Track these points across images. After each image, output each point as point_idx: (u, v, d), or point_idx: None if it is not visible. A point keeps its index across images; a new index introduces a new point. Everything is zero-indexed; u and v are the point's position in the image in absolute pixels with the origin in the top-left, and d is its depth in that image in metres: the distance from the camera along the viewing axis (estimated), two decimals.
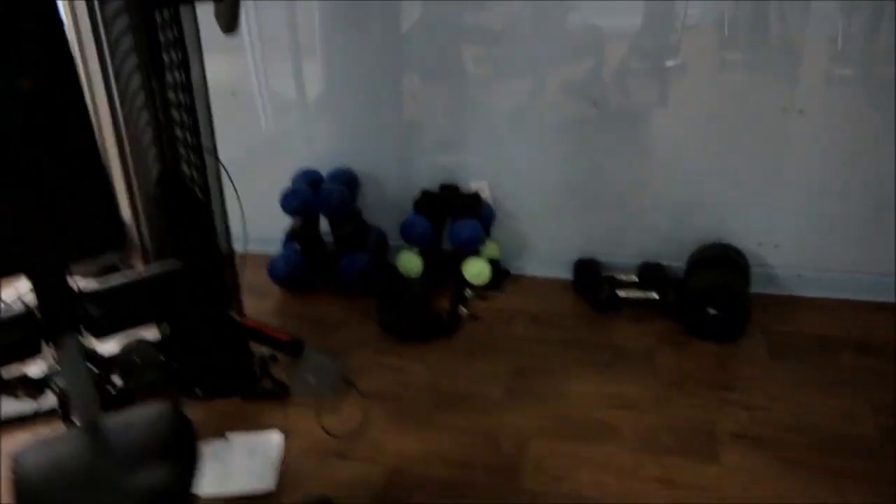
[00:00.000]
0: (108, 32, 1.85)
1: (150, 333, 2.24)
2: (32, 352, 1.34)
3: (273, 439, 2.03)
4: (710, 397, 2.07)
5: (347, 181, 2.68)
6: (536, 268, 2.75)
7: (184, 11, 1.75)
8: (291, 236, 2.66)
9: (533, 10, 2.39)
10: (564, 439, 1.95)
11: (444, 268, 2.63)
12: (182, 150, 1.91)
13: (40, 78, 1.23)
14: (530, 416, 2.05)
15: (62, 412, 1.94)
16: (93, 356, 2.15)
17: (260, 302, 2.71)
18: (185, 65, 1.79)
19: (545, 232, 2.71)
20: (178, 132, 1.89)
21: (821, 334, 2.33)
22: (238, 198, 2.12)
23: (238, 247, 2.60)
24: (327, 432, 2.01)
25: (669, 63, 2.35)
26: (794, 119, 2.29)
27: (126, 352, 2.17)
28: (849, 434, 1.92)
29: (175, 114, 1.85)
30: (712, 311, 2.26)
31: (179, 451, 1.31)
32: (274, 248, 2.77)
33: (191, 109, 1.84)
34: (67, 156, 1.28)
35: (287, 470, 1.92)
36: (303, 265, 2.66)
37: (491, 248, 2.67)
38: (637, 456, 1.88)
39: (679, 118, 2.41)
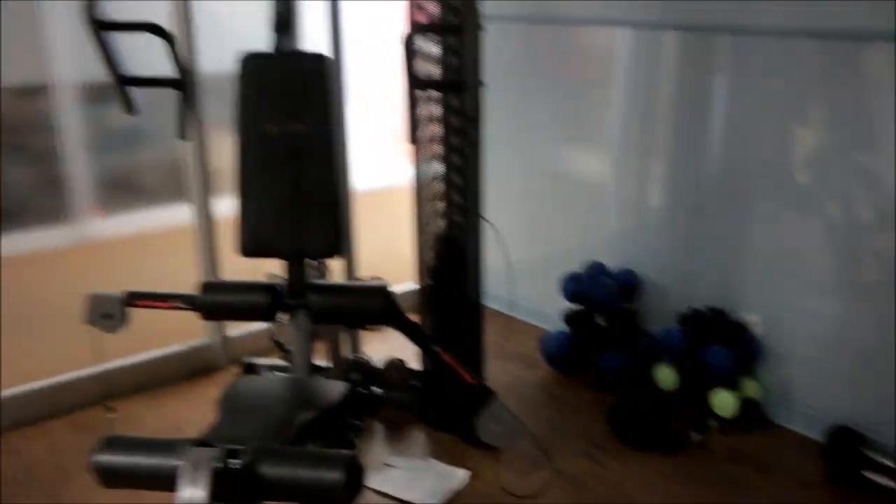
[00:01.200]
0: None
1: (414, 363, 2.68)
2: (269, 317, 1.87)
3: (460, 474, 2.29)
4: None
5: (625, 281, 2.80)
6: (797, 422, 2.48)
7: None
8: (565, 318, 2.88)
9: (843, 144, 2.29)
10: None
11: (696, 389, 2.56)
12: (457, 216, 2.36)
13: (310, 123, 1.78)
14: None
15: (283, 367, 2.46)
16: (362, 364, 2.66)
17: (524, 370, 2.97)
18: (465, 152, 2.30)
19: (816, 386, 2.44)
20: (457, 200, 2.35)
21: None
22: (509, 263, 2.44)
23: (502, 308, 2.93)
24: (504, 489, 2.19)
25: None
26: None
27: (387, 367, 2.64)
28: None
29: (455, 189, 2.35)
30: None
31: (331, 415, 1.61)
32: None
33: (467, 186, 2.31)
34: (318, 181, 1.80)
35: (456, 500, 2.17)
36: (568, 348, 2.85)
37: (749, 386, 2.51)
38: None
39: None
